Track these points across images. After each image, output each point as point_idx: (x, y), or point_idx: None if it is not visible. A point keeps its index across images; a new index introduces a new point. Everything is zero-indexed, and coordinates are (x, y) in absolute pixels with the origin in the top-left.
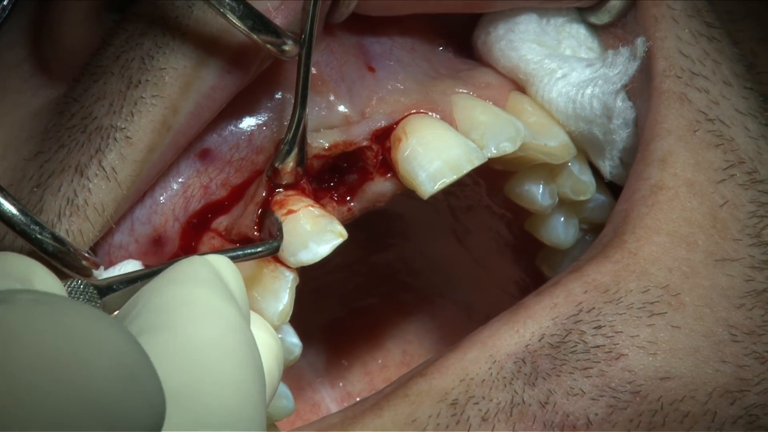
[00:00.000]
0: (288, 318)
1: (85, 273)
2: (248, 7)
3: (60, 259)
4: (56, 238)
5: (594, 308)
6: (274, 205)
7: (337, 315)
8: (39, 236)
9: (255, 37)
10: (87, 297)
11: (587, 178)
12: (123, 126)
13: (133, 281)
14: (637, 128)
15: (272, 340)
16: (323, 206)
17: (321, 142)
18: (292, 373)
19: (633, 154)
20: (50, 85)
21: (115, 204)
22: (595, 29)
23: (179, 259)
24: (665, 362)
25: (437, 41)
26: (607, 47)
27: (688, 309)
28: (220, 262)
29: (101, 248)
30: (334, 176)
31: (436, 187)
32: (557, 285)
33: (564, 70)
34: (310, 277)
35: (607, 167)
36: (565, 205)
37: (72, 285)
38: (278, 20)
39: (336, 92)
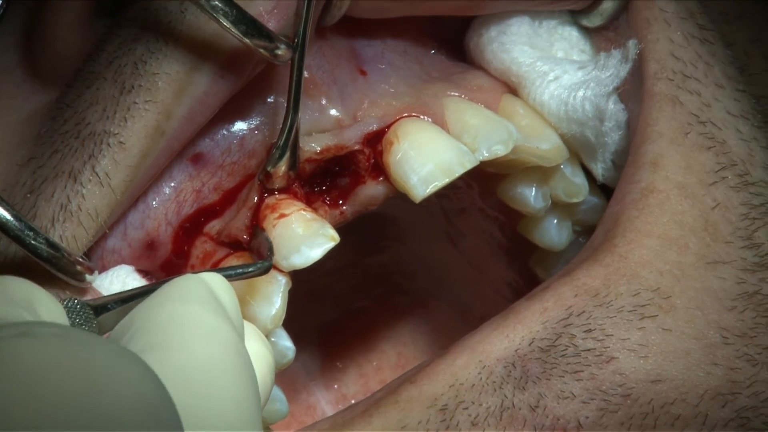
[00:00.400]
0: (281, 322)
1: (79, 278)
2: (241, 12)
3: (54, 264)
4: (50, 243)
5: (584, 312)
6: (266, 209)
7: (331, 317)
8: (33, 242)
9: (248, 41)
10: (83, 317)
11: (580, 180)
12: (116, 131)
13: (127, 300)
14: (629, 130)
15: (264, 350)
16: (315, 210)
17: (313, 146)
18: (286, 376)
19: (625, 156)
20: (43, 90)
21: (109, 209)
22: (587, 32)
23: (173, 278)
24: (656, 365)
25: (429, 44)
26: (599, 50)
27: (679, 312)
28: (214, 280)
29: (95, 253)
30: (326, 180)
31: (428, 191)
32: (547, 289)
33: (556, 73)
34: (303, 280)
35: (599, 169)
36: (558, 207)
37: (68, 305)
38: (271, 24)
39: (328, 96)
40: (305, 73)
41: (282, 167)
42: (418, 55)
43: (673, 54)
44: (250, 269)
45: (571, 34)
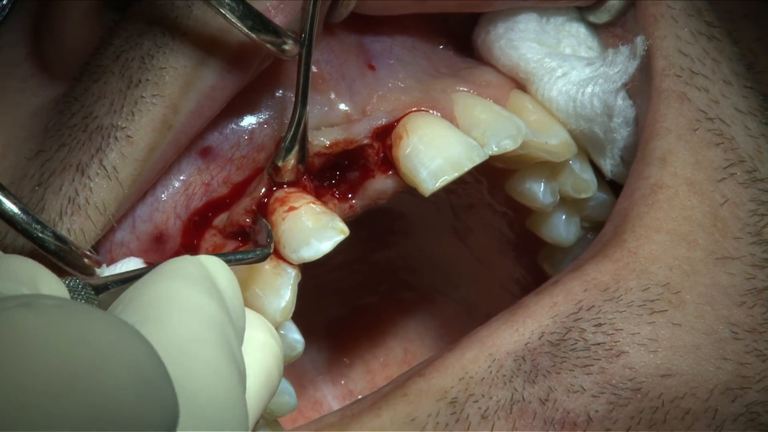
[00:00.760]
0: (290, 315)
1: (87, 271)
2: (248, 7)
3: (62, 257)
4: (57, 236)
5: (594, 306)
6: (275, 202)
7: (338, 313)
8: (40, 235)
9: (255, 36)
10: (85, 296)
11: (588, 176)
12: (124, 125)
13: (127, 280)
14: (637, 127)
15: (271, 340)
16: (325, 203)
17: (322, 140)
18: (294, 371)
19: (634, 152)
20: (50, 84)
21: (117, 203)
22: (594, 28)
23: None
24: (666, 359)
25: (437, 40)
26: (607, 46)
27: (688, 307)
28: (212, 262)
29: (103, 246)
30: (335, 174)
31: (437, 185)
32: (557, 284)
33: (564, 69)
34: (311, 275)
35: (607, 165)
36: (566, 203)
37: (70, 284)
38: (278, 19)
39: (337, 90)
40: (314, 68)
41: (291, 161)
42: (427, 50)
43: (680, 50)
44: (249, 255)
45: (579, 30)
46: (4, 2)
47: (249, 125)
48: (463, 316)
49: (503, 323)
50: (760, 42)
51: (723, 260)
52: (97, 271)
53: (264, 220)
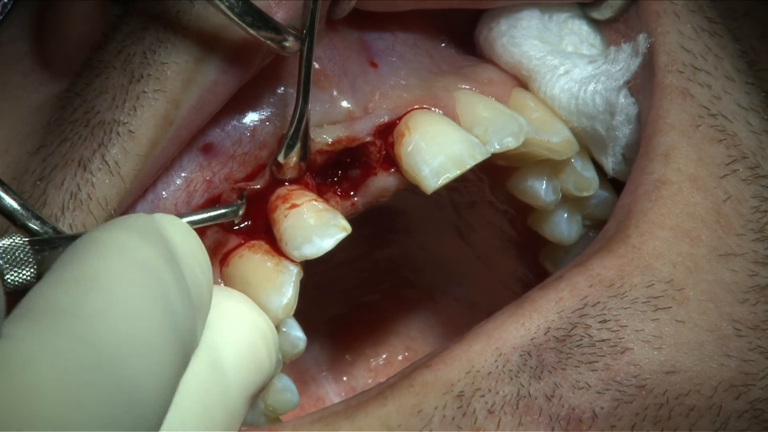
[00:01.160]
0: (292, 312)
1: None
2: (247, 4)
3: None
4: (57, 231)
5: (599, 302)
6: (277, 199)
7: (340, 310)
8: (40, 230)
9: (255, 33)
10: (17, 257)
11: (590, 174)
12: (126, 120)
13: (76, 238)
14: (639, 124)
15: (258, 317)
16: (327, 201)
17: (324, 137)
18: (296, 368)
19: (636, 150)
20: (52, 80)
21: (119, 198)
22: (597, 25)
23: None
24: (670, 356)
25: (439, 37)
26: (610, 43)
27: (692, 304)
28: (166, 220)
29: None
30: (337, 171)
31: (439, 182)
32: (562, 279)
33: (566, 67)
34: (313, 273)
35: (609, 163)
36: (568, 201)
37: (5, 244)
38: (279, 16)
39: (339, 88)
40: (316, 65)
41: (293, 158)
42: (429, 48)
43: (683, 46)
44: (220, 211)
45: (581, 28)
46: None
47: (251, 122)
48: (465, 314)
49: (509, 317)
50: (762, 39)
51: (726, 257)
52: None
53: (245, 192)
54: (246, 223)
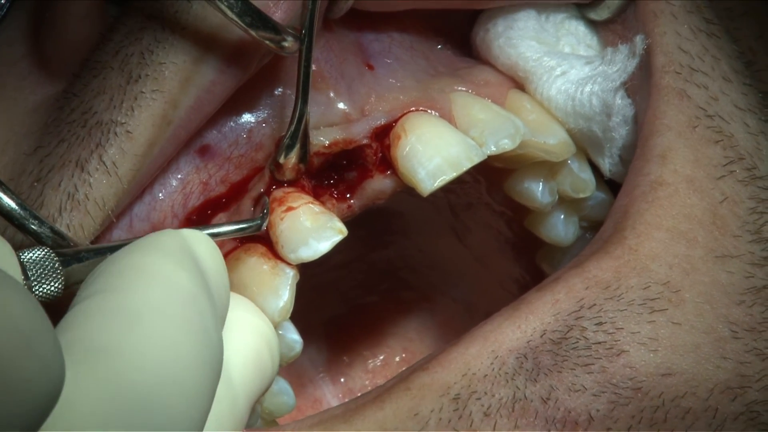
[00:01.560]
0: (288, 315)
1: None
2: (246, 4)
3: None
4: (55, 231)
5: (595, 304)
6: (273, 202)
7: (337, 312)
8: (38, 230)
9: (253, 33)
10: (45, 267)
11: (587, 175)
12: (123, 120)
13: (101, 252)
14: (636, 125)
15: (262, 324)
16: (323, 203)
17: (321, 139)
18: (293, 370)
19: (632, 151)
20: (49, 81)
21: (116, 198)
22: (594, 26)
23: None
24: (666, 359)
25: (436, 39)
26: (607, 44)
27: (688, 305)
28: (194, 236)
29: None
30: (333, 174)
31: (435, 185)
32: (558, 280)
33: (563, 68)
34: (310, 275)
35: (606, 165)
36: (564, 202)
37: (29, 255)
38: (278, 15)
39: (336, 90)
40: (313, 67)
41: (292, 158)
42: (425, 50)
43: (680, 47)
44: (242, 225)
45: (578, 28)
46: (2, 1)
47: (248, 123)
48: (462, 316)
49: (506, 319)
50: (759, 40)
51: (722, 258)
52: None
53: (265, 197)
54: None
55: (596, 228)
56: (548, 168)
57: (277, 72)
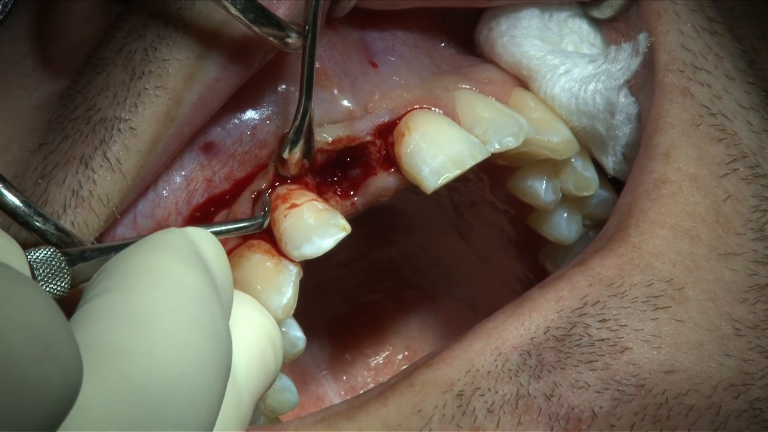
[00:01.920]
0: (292, 312)
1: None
2: (250, 0)
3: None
4: (59, 228)
5: (599, 302)
6: (276, 199)
7: (340, 310)
8: (42, 227)
9: (257, 29)
10: (52, 267)
11: (590, 173)
12: (127, 117)
13: (107, 251)
14: (639, 123)
15: (265, 321)
16: (327, 201)
17: (324, 136)
18: (295, 367)
19: (636, 149)
20: (53, 79)
21: (120, 195)
22: (597, 24)
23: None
24: (669, 356)
25: (439, 37)
26: (610, 42)
27: (691, 303)
28: (199, 235)
29: (104, 241)
30: (337, 171)
31: (439, 182)
32: (562, 278)
33: (567, 66)
34: (313, 273)
35: (610, 163)
36: (568, 200)
37: (35, 254)
38: (281, 11)
39: (339, 87)
40: (317, 64)
41: (296, 154)
42: (428, 48)
43: (683, 45)
44: (244, 224)
45: (581, 27)
46: (6, 0)
47: (252, 121)
48: (465, 314)
49: (509, 316)
50: (762, 39)
51: (725, 256)
52: None
53: (267, 195)
54: None
55: (599, 226)
56: (552, 166)
57: (281, 69)
